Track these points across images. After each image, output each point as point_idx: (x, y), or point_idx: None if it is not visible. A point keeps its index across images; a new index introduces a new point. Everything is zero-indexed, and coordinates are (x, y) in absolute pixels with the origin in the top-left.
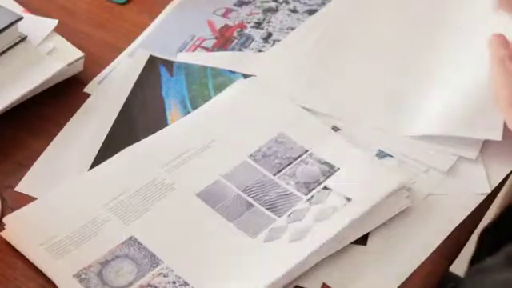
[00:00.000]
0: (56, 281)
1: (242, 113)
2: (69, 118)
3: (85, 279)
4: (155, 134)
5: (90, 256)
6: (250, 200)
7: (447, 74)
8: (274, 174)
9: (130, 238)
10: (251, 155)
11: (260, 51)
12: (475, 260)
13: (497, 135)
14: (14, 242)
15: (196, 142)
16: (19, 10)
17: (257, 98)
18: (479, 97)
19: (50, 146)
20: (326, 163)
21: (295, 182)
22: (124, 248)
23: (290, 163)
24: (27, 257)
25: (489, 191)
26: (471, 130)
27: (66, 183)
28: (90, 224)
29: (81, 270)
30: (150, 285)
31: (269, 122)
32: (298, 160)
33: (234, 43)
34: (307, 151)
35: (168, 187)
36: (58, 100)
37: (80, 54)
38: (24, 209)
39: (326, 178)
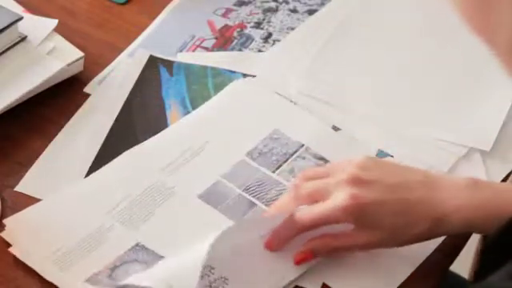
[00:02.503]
0: (56, 281)
1: (238, 112)
2: (69, 118)
3: (96, 281)
4: (154, 137)
5: (99, 264)
6: (252, 199)
7: (444, 74)
8: (273, 171)
9: (137, 245)
10: (248, 153)
11: (260, 51)
12: (479, 274)
13: (486, 146)
14: (14, 243)
15: (193, 143)
16: (19, 10)
17: (253, 97)
18: (474, 104)
19: (49, 146)
20: (322, 158)
21: (294, 178)
22: (132, 254)
23: (288, 159)
24: (33, 267)
25: None
26: (461, 136)
27: (66, 188)
28: (94, 233)
29: (91, 276)
30: None
31: (264, 120)
32: (295, 155)
33: (234, 43)
34: (303, 145)
35: (169, 190)
36: (57, 100)
37: (80, 53)
38: (25, 211)
39: None
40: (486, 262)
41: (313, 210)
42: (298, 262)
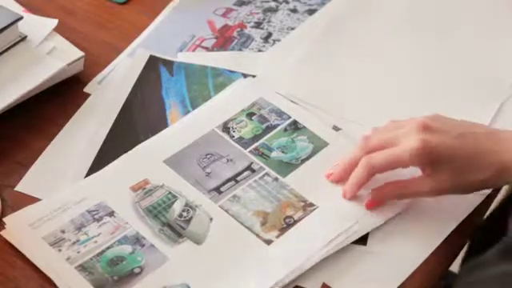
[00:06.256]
0: (57, 278)
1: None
2: (69, 118)
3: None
4: (154, 137)
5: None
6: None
7: (440, 75)
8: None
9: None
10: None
11: (260, 51)
12: (467, 258)
13: None
14: (14, 242)
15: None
16: (19, 9)
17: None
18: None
19: (49, 146)
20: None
21: None
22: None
23: None
24: (27, 256)
25: (489, 191)
26: None
27: (66, 187)
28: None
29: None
30: None
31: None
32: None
33: (234, 43)
34: None
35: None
36: (58, 100)
37: (80, 53)
38: (25, 209)
39: None
40: (476, 244)
41: (383, 152)
42: (369, 206)
